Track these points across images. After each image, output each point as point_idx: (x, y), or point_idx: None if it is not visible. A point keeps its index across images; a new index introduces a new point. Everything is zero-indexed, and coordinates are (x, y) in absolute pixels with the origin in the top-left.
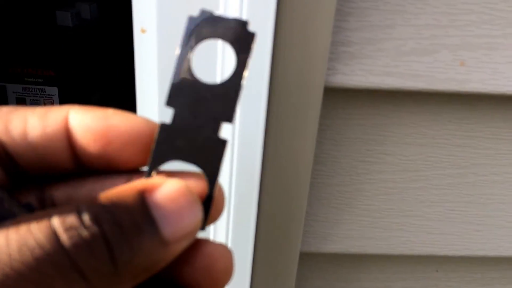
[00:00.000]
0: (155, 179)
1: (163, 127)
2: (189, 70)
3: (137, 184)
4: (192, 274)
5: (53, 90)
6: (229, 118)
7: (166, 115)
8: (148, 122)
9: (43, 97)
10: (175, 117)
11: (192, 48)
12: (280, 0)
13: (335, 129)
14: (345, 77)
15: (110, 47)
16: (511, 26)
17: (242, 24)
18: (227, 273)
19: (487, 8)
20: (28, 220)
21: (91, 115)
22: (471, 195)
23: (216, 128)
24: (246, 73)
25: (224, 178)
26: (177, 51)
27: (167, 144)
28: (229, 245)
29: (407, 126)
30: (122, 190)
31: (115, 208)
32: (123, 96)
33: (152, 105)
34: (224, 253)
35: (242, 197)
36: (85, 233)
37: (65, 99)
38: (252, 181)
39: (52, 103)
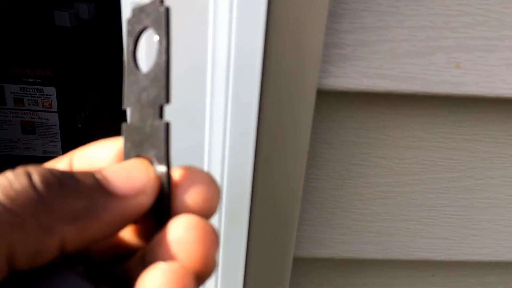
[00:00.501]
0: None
1: (124, 127)
2: (136, 67)
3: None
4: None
5: (51, 90)
6: (164, 98)
7: None
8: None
9: (40, 97)
10: (130, 115)
11: (133, 46)
12: (271, 1)
13: (329, 132)
14: (338, 80)
15: (108, 47)
16: (506, 28)
17: (157, 3)
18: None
19: (482, 9)
20: None
21: (83, 149)
22: (467, 199)
23: (158, 113)
24: (167, 49)
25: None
26: (124, 54)
27: (129, 142)
28: (221, 250)
29: (401, 129)
30: None
31: (53, 168)
32: (120, 96)
33: None
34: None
35: (234, 201)
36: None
37: (63, 99)
38: (244, 185)
39: (50, 103)
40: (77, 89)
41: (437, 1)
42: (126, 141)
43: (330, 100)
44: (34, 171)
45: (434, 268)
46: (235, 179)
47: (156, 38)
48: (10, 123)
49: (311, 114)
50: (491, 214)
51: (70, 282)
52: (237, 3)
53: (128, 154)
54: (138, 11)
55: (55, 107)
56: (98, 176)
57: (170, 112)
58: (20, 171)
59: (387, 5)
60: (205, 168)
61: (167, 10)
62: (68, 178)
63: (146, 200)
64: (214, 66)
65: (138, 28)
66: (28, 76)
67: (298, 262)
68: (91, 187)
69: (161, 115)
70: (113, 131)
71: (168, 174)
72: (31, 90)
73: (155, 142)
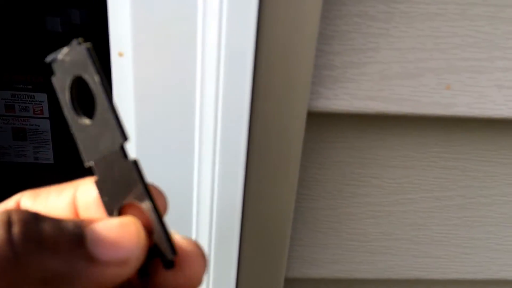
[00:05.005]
0: (102, 217)
1: (96, 182)
2: (81, 120)
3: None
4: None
5: (42, 97)
6: (122, 137)
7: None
8: None
9: (32, 103)
10: (95, 168)
11: (70, 101)
12: (260, 24)
13: (320, 153)
14: (329, 102)
15: (100, 52)
16: (496, 49)
17: (75, 45)
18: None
19: (472, 31)
20: None
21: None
22: (458, 217)
23: (121, 154)
24: (104, 88)
25: (206, 203)
26: (63, 109)
27: (106, 195)
28: (212, 270)
29: (392, 149)
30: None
31: (41, 216)
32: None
33: (130, 127)
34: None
35: (225, 222)
36: None
37: (54, 105)
38: (235, 206)
39: (41, 110)
40: None
41: (427, 22)
42: (103, 196)
43: (321, 121)
44: (17, 220)
45: (427, 286)
46: (225, 200)
47: (87, 82)
48: (0, 130)
49: (302, 136)
50: (483, 233)
51: None
52: (225, 25)
53: (109, 208)
54: (60, 63)
55: (46, 113)
56: (86, 233)
57: (159, 138)
58: (1, 218)
59: (377, 27)
60: (195, 187)
61: (88, 50)
62: (51, 233)
63: (129, 271)
64: (203, 88)
65: (68, 81)
66: (19, 82)
67: (290, 282)
68: (73, 247)
69: (125, 155)
70: None
71: (155, 208)
72: (22, 97)
73: (130, 184)
